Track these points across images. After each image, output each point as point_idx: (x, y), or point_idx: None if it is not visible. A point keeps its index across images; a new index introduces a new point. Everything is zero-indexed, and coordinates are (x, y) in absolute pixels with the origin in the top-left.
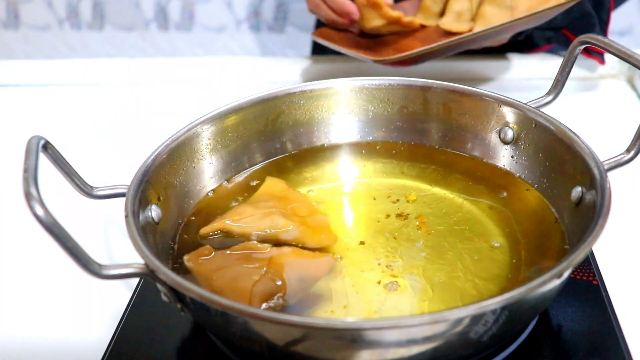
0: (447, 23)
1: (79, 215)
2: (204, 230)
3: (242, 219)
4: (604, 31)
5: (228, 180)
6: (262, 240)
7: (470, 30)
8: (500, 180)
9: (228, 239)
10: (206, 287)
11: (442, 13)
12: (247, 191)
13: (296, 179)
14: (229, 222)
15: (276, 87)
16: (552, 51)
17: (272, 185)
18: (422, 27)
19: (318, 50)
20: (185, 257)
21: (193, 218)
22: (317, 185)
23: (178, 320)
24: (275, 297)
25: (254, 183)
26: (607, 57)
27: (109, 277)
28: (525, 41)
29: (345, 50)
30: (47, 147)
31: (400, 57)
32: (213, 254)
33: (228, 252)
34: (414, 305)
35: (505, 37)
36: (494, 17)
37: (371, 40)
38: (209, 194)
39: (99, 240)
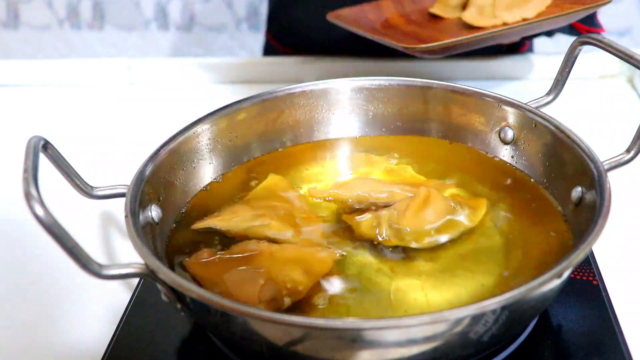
0: (469, 16)
1: (79, 215)
2: (195, 226)
3: (234, 218)
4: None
5: (228, 180)
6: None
7: (493, 26)
8: (500, 179)
9: (226, 239)
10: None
11: (463, 6)
12: (246, 190)
13: (295, 177)
14: (221, 219)
15: (276, 87)
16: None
17: (274, 183)
18: (440, 18)
19: (270, 50)
20: (185, 264)
21: (193, 218)
22: (315, 182)
23: (178, 320)
24: (284, 298)
25: (254, 183)
26: (608, 57)
27: (109, 277)
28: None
29: (371, 36)
30: (47, 147)
31: (430, 46)
32: (212, 257)
33: (227, 253)
34: (413, 303)
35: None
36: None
37: (387, 28)
38: (209, 193)
39: (99, 240)
